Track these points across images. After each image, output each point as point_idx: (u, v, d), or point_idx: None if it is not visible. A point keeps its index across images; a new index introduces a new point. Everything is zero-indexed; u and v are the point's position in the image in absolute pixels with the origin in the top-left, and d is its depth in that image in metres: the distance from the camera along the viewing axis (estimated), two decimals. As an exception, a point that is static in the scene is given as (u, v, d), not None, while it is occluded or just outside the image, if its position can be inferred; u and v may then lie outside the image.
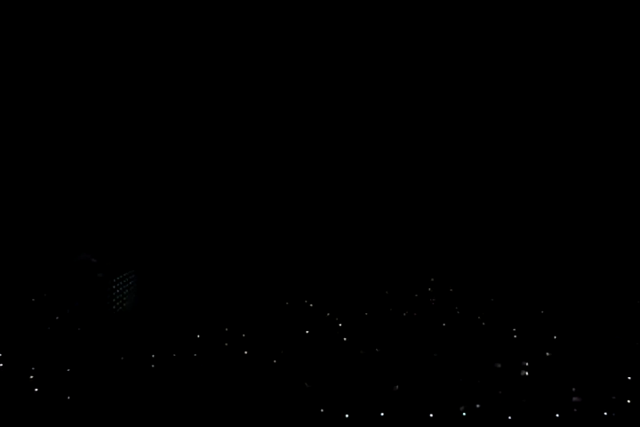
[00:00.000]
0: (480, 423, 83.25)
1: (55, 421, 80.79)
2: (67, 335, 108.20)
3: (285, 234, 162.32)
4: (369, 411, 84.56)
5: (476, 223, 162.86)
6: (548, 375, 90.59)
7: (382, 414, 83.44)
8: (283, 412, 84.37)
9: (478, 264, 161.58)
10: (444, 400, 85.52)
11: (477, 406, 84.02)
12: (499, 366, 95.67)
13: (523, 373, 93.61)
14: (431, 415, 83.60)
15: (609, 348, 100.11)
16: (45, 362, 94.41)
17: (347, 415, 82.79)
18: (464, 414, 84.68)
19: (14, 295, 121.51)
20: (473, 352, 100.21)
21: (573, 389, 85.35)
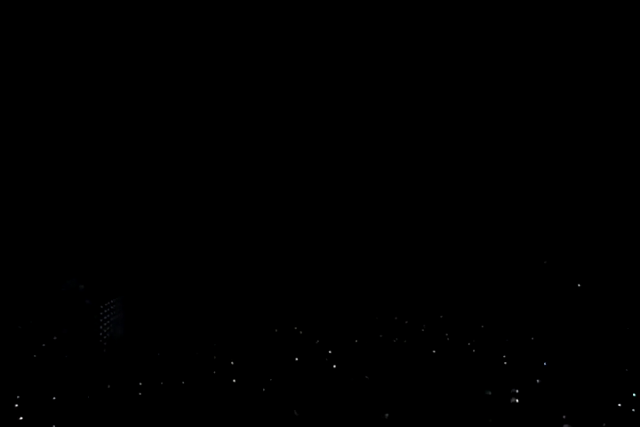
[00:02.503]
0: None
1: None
2: (54, 363, 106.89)
3: (273, 261, 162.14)
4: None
5: (463, 251, 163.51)
6: (539, 403, 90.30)
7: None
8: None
9: (468, 291, 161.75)
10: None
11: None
12: (489, 393, 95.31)
13: (513, 400, 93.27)
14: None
15: (598, 375, 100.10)
16: (31, 390, 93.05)
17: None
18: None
19: (0, 322, 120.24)
20: (463, 379, 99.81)
21: (564, 416, 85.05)
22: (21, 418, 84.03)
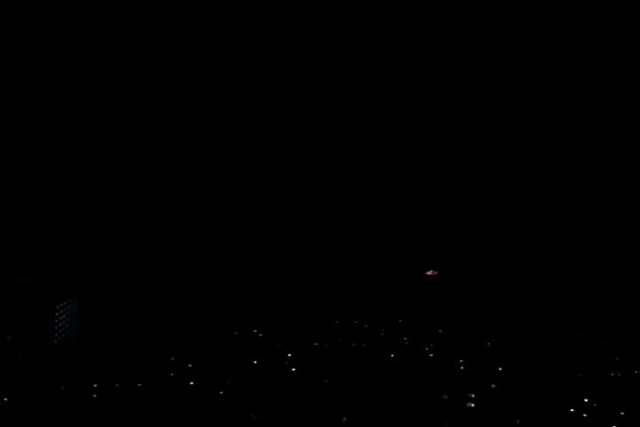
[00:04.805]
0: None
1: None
2: (6, 363, 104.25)
3: (232, 262, 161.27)
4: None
5: (420, 255, 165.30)
6: (494, 407, 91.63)
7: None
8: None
9: (425, 296, 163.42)
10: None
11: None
12: (445, 397, 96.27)
13: (469, 404, 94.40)
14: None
15: (551, 380, 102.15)
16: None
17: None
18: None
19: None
20: (420, 383, 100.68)
21: (518, 421, 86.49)
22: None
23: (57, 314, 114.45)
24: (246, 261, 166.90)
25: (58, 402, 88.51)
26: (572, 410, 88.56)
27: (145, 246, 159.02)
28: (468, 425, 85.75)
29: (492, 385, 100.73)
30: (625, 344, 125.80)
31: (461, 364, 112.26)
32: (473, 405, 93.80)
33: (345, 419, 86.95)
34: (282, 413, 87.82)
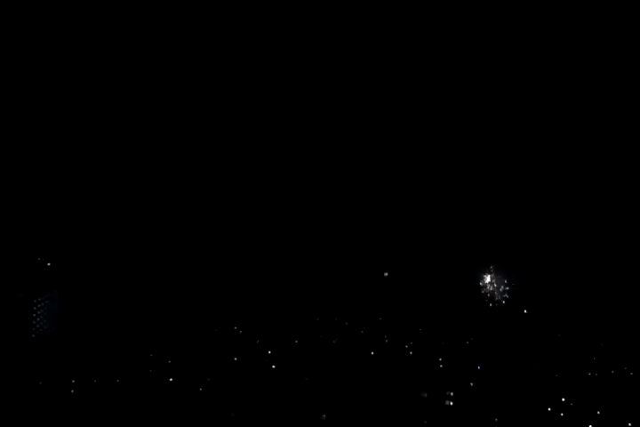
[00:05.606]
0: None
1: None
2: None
3: (211, 258, 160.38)
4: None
5: (400, 252, 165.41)
6: (472, 405, 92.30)
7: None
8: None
9: (406, 294, 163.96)
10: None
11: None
12: (425, 395, 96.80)
13: (447, 402, 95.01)
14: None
15: (529, 379, 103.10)
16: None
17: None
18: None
19: None
20: (400, 381, 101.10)
21: (496, 419, 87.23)
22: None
23: (35, 308, 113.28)
24: (226, 257, 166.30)
25: (35, 397, 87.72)
26: (549, 409, 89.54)
27: (123, 240, 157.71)
28: (447, 423, 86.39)
29: (471, 384, 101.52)
30: (602, 344, 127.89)
31: (441, 362, 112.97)
32: (452, 403, 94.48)
33: (324, 416, 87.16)
34: (262, 410, 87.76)
